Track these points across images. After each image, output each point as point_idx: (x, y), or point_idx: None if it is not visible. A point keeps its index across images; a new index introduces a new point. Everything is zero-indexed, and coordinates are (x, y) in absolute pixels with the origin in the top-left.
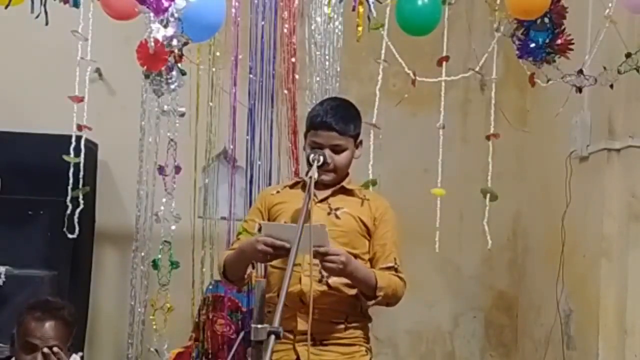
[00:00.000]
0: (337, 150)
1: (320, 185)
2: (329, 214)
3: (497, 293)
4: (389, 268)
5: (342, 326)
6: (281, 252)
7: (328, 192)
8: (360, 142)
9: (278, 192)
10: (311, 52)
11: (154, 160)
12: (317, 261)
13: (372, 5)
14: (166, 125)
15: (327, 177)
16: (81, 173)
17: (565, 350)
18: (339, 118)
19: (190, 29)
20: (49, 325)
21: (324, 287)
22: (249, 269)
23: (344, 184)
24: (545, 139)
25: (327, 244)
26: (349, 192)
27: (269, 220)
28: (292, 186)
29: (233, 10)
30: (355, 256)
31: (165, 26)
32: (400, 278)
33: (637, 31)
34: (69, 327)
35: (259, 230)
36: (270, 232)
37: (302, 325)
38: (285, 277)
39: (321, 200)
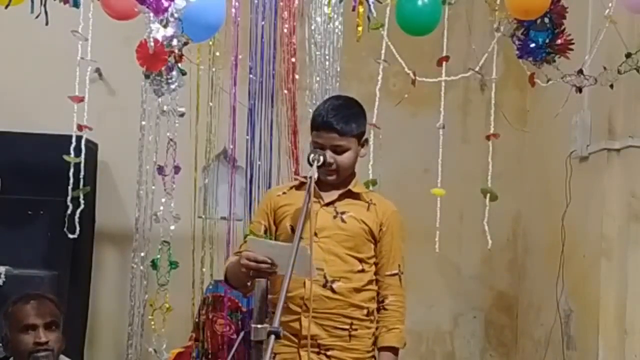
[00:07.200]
0: (338, 151)
1: (326, 186)
2: (334, 217)
3: (497, 293)
4: (394, 275)
5: (346, 334)
6: (264, 270)
7: (335, 196)
8: (366, 140)
9: (284, 192)
10: (311, 52)
11: (154, 160)
12: (321, 266)
13: (372, 5)
14: (166, 125)
15: (331, 178)
16: (81, 173)
17: (565, 350)
18: (339, 118)
19: (190, 29)
20: (40, 304)
21: (328, 292)
22: None
23: (350, 187)
24: (545, 139)
25: (308, 267)
26: (355, 196)
27: (275, 221)
28: (298, 187)
29: (233, 10)
30: (360, 260)
31: (165, 26)
32: (399, 294)
33: (637, 31)
34: (57, 307)
35: (265, 232)
36: (255, 248)
37: (306, 329)
38: (285, 279)
39: (327, 204)
